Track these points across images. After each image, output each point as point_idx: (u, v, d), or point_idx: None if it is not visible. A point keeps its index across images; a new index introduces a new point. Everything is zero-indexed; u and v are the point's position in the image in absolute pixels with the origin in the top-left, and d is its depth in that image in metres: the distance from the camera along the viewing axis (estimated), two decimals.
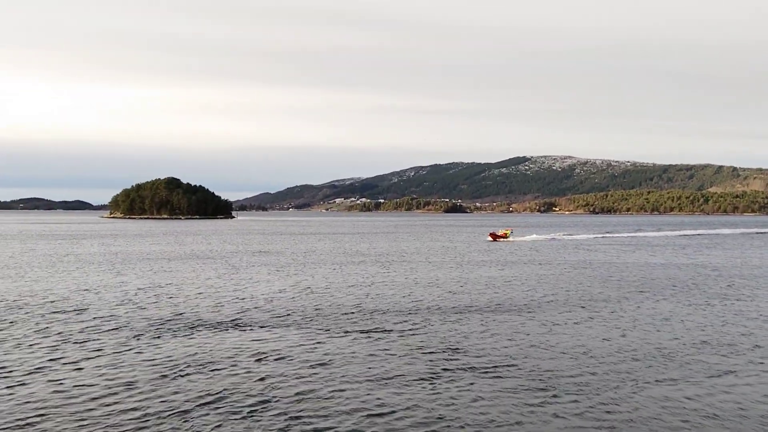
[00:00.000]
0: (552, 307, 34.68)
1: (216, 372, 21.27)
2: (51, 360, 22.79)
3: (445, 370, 21.54)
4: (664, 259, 69.36)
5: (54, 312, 32.74)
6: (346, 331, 27.70)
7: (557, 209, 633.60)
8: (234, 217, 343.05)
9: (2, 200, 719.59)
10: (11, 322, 29.75)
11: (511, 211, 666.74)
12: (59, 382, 20.15)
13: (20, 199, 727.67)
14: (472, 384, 19.93)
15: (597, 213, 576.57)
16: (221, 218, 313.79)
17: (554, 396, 18.77)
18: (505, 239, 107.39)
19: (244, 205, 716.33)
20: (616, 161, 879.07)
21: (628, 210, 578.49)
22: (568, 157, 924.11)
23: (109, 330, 28.05)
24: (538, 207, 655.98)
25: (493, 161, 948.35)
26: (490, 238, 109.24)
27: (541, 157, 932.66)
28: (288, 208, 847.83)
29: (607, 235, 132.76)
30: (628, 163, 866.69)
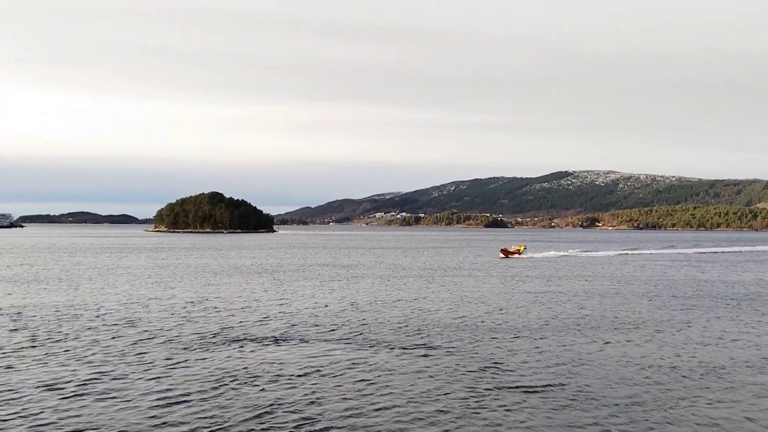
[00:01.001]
0: (598, 324, 34.09)
1: (263, 386, 21.44)
2: (102, 373, 23.25)
3: (491, 388, 21.33)
4: (685, 274, 67.68)
5: (105, 325, 33.45)
6: (392, 347, 27.67)
7: (600, 225, 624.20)
8: (275, 231, 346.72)
9: (52, 214, 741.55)
10: (64, 335, 30.49)
11: (553, 226, 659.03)
12: (110, 395, 20.55)
13: (69, 213, 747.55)
14: (519, 403, 19.68)
15: (641, 229, 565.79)
16: (263, 232, 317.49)
17: (608, 416, 18.41)
18: (518, 256, 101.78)
19: (286, 219, 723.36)
20: (661, 176, 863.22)
21: (673, 226, 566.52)
22: (611, 171, 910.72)
23: (159, 343, 28.53)
24: (580, 222, 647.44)
25: (534, 176, 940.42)
26: (501, 255, 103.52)
27: (584, 171, 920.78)
28: (328, 222, 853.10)
29: (631, 252, 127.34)
30: (674, 178, 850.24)
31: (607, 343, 29.18)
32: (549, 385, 21.66)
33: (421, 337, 30.11)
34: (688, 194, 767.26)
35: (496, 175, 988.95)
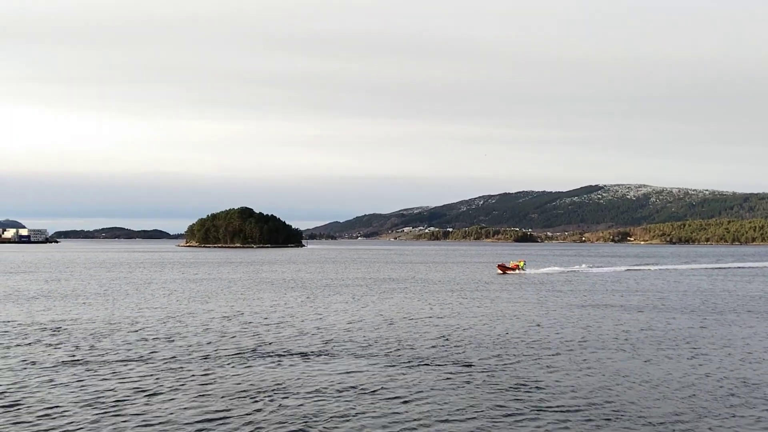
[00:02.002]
0: (636, 341, 33.59)
1: (301, 402, 21.49)
2: (140, 390, 23.51)
3: (530, 408, 21.13)
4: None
5: (143, 340, 33.86)
6: (428, 364, 27.58)
7: (632, 239, 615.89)
8: (304, 245, 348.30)
9: (86, 229, 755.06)
10: (103, 350, 30.94)
11: (584, 241, 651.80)
12: (150, 411, 20.77)
13: (102, 229, 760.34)
14: (559, 423, 19.45)
15: (674, 243, 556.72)
16: (292, 247, 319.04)
17: None
18: (517, 271, 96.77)
19: (314, 234, 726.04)
20: (694, 189, 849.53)
21: (707, 240, 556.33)
22: (642, 185, 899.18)
23: (196, 358, 28.78)
24: (611, 237, 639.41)
25: (564, 189, 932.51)
26: (498, 271, 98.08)
27: (615, 185, 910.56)
28: (357, 237, 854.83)
29: (636, 267, 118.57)
30: (707, 192, 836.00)
31: (647, 361, 28.73)
32: (591, 404, 21.39)
33: (457, 354, 29.96)
34: (722, 208, 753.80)
35: (525, 189, 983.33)
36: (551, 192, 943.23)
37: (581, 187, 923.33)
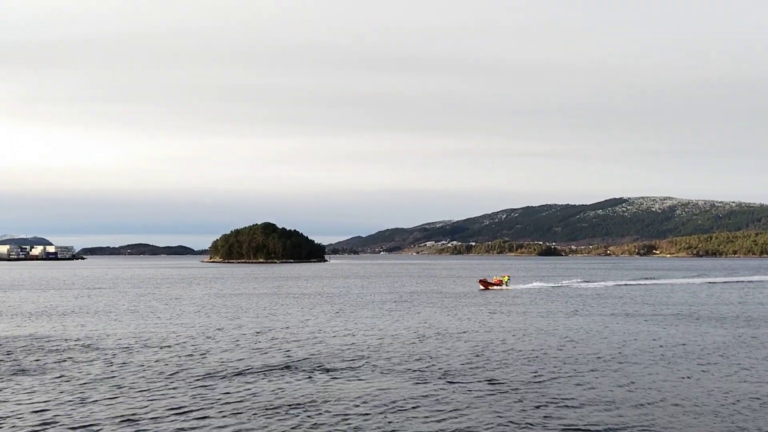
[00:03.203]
0: (671, 356, 33.07)
1: (335, 418, 21.44)
2: (174, 407, 23.60)
3: (563, 427, 20.86)
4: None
5: (175, 356, 34.06)
6: (460, 380, 27.40)
7: (658, 252, 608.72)
8: (327, 260, 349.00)
9: (112, 246, 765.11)
10: (137, 367, 31.15)
11: (609, 254, 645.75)
12: (185, 427, 20.84)
13: (128, 245, 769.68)
14: None
15: (701, 256, 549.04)
16: (315, 262, 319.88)
17: None
18: (499, 287, 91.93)
19: (336, 249, 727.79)
20: (720, 202, 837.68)
21: (734, 253, 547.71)
22: (667, 198, 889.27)
23: (228, 374, 28.85)
24: (636, 250, 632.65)
25: (588, 203, 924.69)
26: (481, 287, 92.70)
27: (639, 198, 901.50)
28: (379, 252, 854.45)
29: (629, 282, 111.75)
30: (734, 204, 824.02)
31: (684, 377, 28.26)
32: (627, 426, 21.05)
33: (488, 370, 29.74)
34: (749, 220, 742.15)
35: (548, 203, 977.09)
36: (575, 205, 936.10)
37: (605, 200, 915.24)
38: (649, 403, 23.41)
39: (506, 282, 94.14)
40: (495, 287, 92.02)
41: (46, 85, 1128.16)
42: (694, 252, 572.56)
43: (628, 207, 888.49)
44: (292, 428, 20.54)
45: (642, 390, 25.57)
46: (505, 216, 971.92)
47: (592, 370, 29.58)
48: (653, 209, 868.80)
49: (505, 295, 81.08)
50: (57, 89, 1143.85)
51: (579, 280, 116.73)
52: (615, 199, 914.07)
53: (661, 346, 37.08)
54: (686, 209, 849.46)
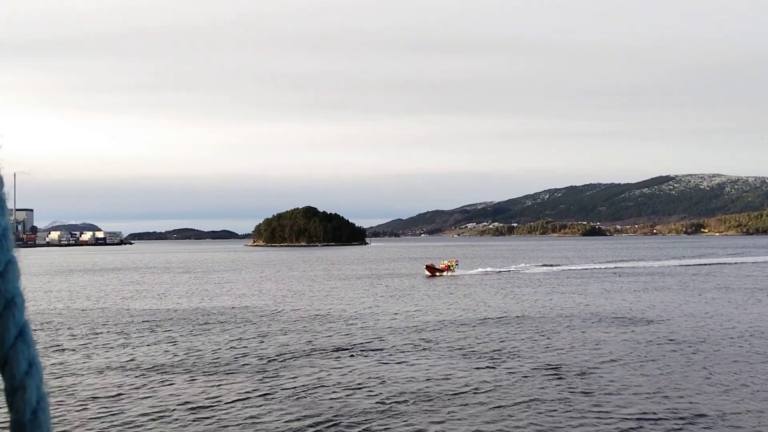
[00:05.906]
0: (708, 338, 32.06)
1: (399, 397, 21.22)
2: (245, 391, 23.66)
3: (608, 410, 20.28)
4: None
5: (237, 339, 34.31)
6: (515, 363, 26.97)
7: (706, 230, 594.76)
8: (368, 243, 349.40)
9: (159, 231, 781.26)
10: (199, 352, 31.45)
11: (655, 233, 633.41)
12: (252, 412, 20.85)
13: (174, 230, 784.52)
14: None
15: (751, 234, 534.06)
16: (356, 245, 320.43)
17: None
18: (447, 273, 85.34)
19: (377, 232, 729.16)
20: None
21: None
22: (716, 175, 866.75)
23: (297, 355, 28.91)
24: (684, 229, 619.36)
25: (633, 181, 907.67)
26: (427, 273, 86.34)
27: (687, 175, 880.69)
28: (420, 234, 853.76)
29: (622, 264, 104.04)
30: None
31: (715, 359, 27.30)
32: (666, 415, 20.34)
33: (538, 354, 29.20)
34: None
35: (592, 182, 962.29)
36: (620, 184, 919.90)
37: (651, 178, 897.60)
38: (698, 393, 22.63)
39: (453, 267, 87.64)
40: (441, 273, 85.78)
41: (101, 76, 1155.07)
42: (745, 230, 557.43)
43: (675, 185, 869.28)
44: (364, 411, 20.35)
45: (700, 378, 24.77)
46: (548, 196, 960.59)
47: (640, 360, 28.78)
48: (701, 187, 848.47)
49: (566, 276, 79.99)
50: (113, 79, 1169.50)
51: (526, 264, 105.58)
52: (661, 177, 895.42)
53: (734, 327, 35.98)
54: (736, 186, 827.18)
